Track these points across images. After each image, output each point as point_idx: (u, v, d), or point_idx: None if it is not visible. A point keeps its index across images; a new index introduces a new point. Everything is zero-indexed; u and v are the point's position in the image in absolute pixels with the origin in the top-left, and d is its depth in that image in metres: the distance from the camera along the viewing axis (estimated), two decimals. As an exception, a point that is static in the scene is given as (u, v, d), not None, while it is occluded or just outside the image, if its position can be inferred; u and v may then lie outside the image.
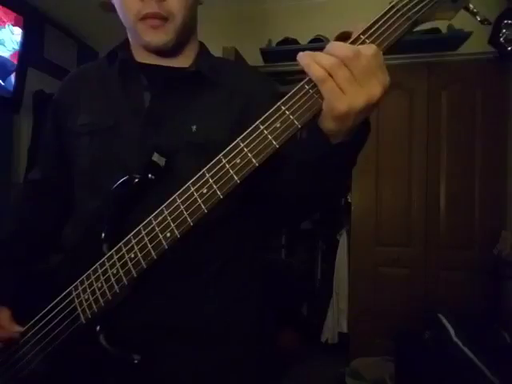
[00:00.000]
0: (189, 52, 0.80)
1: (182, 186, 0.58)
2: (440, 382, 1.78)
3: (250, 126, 0.55)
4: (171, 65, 0.78)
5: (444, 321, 1.99)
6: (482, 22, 0.55)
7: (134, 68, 0.77)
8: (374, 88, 0.49)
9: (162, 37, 0.72)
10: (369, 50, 0.49)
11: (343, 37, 0.51)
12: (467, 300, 2.34)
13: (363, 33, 0.52)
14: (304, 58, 0.51)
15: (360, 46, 0.49)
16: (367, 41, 0.51)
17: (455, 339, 1.88)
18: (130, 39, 0.81)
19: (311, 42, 2.52)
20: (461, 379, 1.73)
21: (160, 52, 0.76)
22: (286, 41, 2.57)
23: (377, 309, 2.55)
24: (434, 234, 2.52)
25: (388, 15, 0.51)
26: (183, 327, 0.70)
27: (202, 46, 0.84)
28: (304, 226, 3.28)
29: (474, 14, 0.55)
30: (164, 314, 0.68)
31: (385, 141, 2.59)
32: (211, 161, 0.57)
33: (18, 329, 0.69)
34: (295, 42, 2.57)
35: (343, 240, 2.85)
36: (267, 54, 2.63)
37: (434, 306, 2.29)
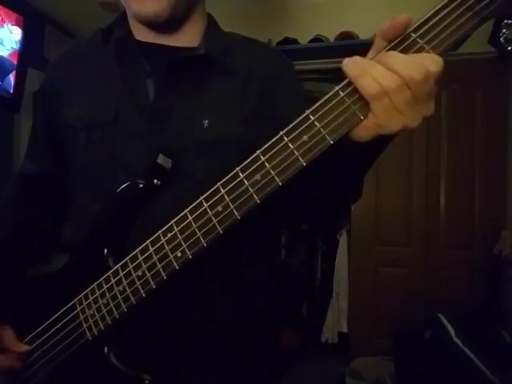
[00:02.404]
0: (195, 27, 0.67)
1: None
2: (440, 381, 1.78)
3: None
4: (176, 44, 0.66)
5: (444, 321, 1.99)
6: None
7: (132, 48, 0.66)
8: (430, 107, 0.43)
9: (151, 5, 0.59)
10: (435, 66, 0.40)
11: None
12: (467, 300, 2.34)
13: (415, 30, 0.42)
14: (353, 68, 0.41)
15: (426, 62, 0.40)
16: (420, 41, 0.41)
17: (455, 339, 1.88)
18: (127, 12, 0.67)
19: (311, 41, 2.52)
20: (461, 379, 1.72)
21: (156, 27, 0.63)
22: (286, 41, 2.57)
23: (377, 309, 2.55)
24: (433, 233, 2.51)
25: (448, 9, 0.41)
26: (196, 336, 0.64)
27: (210, 18, 0.71)
28: (304, 225, 3.28)
29: None
30: (176, 326, 0.63)
31: (385, 141, 2.59)
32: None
33: (26, 348, 0.63)
34: (295, 41, 2.57)
35: (343, 240, 2.85)
36: (267, 54, 2.62)
37: (433, 306, 2.29)
